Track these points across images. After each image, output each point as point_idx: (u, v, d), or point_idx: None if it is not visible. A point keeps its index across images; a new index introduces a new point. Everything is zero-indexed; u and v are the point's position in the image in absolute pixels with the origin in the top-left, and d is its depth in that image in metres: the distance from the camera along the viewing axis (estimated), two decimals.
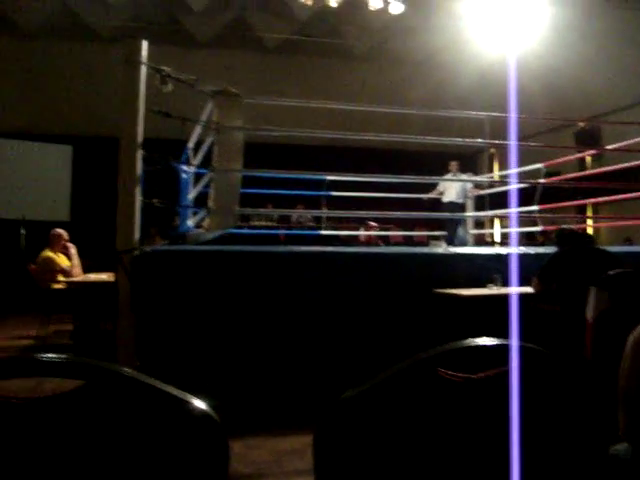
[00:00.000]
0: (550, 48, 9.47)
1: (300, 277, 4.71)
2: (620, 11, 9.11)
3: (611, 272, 4.08)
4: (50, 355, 0.85)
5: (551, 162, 8.72)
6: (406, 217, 10.94)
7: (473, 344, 0.97)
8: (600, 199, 8.64)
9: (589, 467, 1.09)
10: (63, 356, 0.85)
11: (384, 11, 9.94)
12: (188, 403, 0.88)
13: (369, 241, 10.72)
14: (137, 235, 4.58)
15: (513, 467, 0.99)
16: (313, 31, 11.86)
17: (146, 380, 0.87)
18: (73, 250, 7.53)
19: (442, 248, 7.71)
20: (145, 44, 4.74)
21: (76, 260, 7.50)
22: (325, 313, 4.67)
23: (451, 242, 9.59)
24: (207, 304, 4.48)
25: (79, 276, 7.32)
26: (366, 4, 9.62)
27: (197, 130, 5.90)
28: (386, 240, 11.24)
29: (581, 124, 12.78)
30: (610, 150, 8.49)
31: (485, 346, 0.98)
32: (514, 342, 1.00)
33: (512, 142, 6.71)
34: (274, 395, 3.81)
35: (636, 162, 7.07)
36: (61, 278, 7.23)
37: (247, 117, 5.92)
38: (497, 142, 7.59)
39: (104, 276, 6.73)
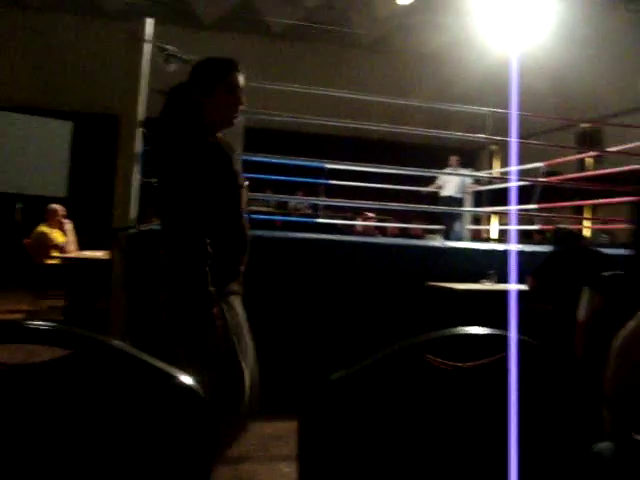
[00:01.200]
0: (557, 46, 9.45)
1: (293, 264, 4.70)
2: (628, 13, 9.08)
3: (605, 273, 4.09)
4: (38, 322, 0.84)
5: (551, 162, 8.72)
6: (403, 209, 10.93)
7: (463, 332, 0.97)
8: (598, 201, 8.65)
9: (573, 463, 1.09)
10: (51, 323, 0.85)
11: (392, 1, 9.90)
12: (175, 378, 0.88)
13: (365, 231, 10.71)
14: (134, 214, 4.57)
15: (510, 457, 0.99)
16: (320, 18, 11.79)
17: (134, 352, 0.86)
18: (69, 226, 7.52)
19: (438, 242, 7.72)
20: (151, 22, 4.71)
21: (71, 236, 7.49)
22: (316, 300, 4.67)
23: (447, 236, 9.59)
24: None
25: (74, 252, 7.31)
26: None
27: None
28: (383, 231, 11.24)
29: (583, 125, 12.76)
30: (612, 153, 8.48)
31: (476, 335, 0.98)
32: (506, 333, 1.00)
33: (513, 139, 6.70)
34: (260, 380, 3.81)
35: (636, 166, 7.07)
36: (55, 254, 7.22)
37: (248, 101, 5.89)
38: (497, 138, 7.57)
39: (99, 253, 6.72)
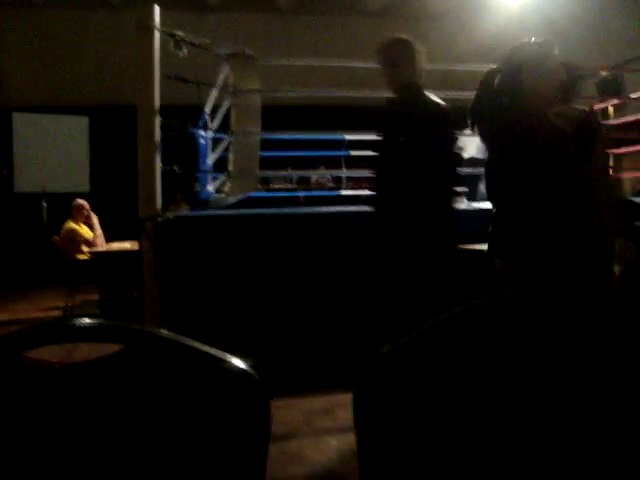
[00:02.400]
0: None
1: (321, 237, 4.68)
2: None
3: (638, 223, 4.03)
4: (85, 320, 0.84)
5: None
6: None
7: (509, 295, 0.95)
8: (623, 150, 8.50)
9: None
10: (98, 320, 0.85)
11: None
12: (228, 362, 0.88)
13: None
14: (159, 202, 4.59)
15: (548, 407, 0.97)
16: None
17: (184, 341, 0.86)
18: (95, 220, 7.59)
19: (464, 204, 7.64)
20: (157, 9, 4.68)
21: (98, 230, 7.56)
22: (349, 272, 4.66)
23: (472, 198, 9.50)
24: (231, 267, 4.49)
25: (102, 246, 7.37)
26: None
27: (213, 94, 5.86)
28: None
29: (603, 73, 12.50)
30: (635, 100, 8.31)
31: (520, 296, 0.96)
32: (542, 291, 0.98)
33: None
34: (301, 356, 3.83)
35: None
36: (85, 249, 7.29)
37: (263, 79, 5.86)
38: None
39: (127, 245, 6.77)
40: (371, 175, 3.64)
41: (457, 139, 3.36)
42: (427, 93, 3.45)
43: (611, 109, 12.07)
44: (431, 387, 0.95)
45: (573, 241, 2.56)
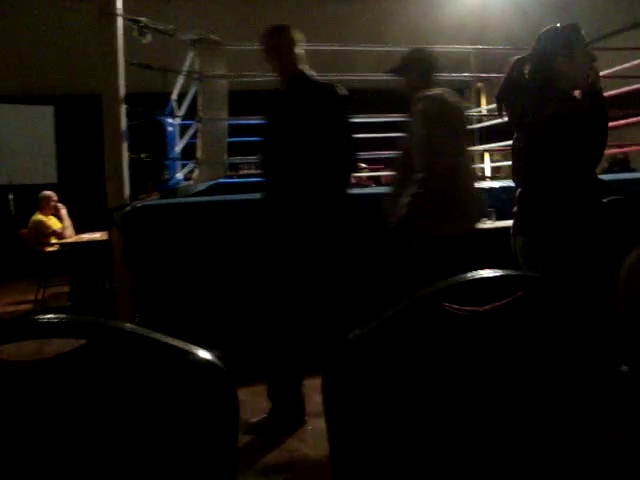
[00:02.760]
0: None
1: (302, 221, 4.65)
2: None
3: (605, 200, 4.07)
4: (49, 315, 0.83)
5: None
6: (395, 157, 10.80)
7: (478, 276, 0.95)
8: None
9: (600, 386, 1.08)
10: (61, 316, 0.83)
11: None
12: (193, 354, 0.87)
13: (359, 183, 10.66)
14: (127, 191, 4.54)
15: (522, 396, 0.99)
16: None
17: (148, 334, 0.85)
18: (64, 211, 7.49)
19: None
20: None
21: (67, 221, 7.47)
22: (319, 257, 4.65)
23: None
24: (202, 255, 4.47)
25: (72, 237, 7.29)
26: None
27: (180, 81, 5.80)
28: (377, 181, 11.18)
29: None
30: (603, 77, 8.37)
31: (490, 278, 0.96)
32: (520, 273, 0.99)
33: (500, 75, 6.63)
34: (276, 341, 3.82)
35: (630, 87, 6.99)
36: (54, 240, 7.21)
37: (229, 64, 5.81)
38: (484, 75, 7.49)
39: (97, 235, 6.71)
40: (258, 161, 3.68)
41: (349, 120, 3.40)
42: (313, 76, 3.51)
43: None
44: (397, 371, 0.95)
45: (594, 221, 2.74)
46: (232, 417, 0.90)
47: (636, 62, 6.96)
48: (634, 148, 7.76)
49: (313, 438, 3.33)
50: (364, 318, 0.97)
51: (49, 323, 0.82)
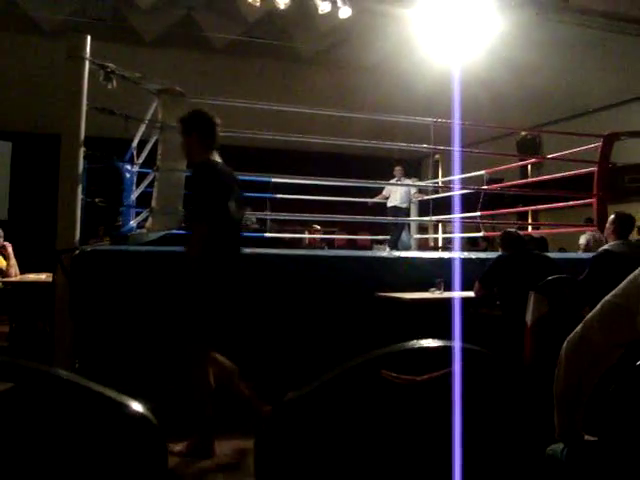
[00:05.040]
0: (496, 57, 9.63)
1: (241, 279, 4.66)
2: (560, 24, 9.29)
3: (550, 278, 4.18)
4: None
5: (494, 169, 8.90)
6: (350, 220, 10.95)
7: (417, 346, 0.97)
8: (540, 206, 8.85)
9: (527, 466, 1.10)
10: None
11: (333, 15, 9.94)
12: (125, 406, 0.86)
13: (313, 244, 10.72)
14: (77, 235, 4.48)
15: (455, 467, 0.99)
16: (261, 33, 11.77)
17: (82, 382, 0.84)
18: (10, 249, 7.32)
19: (386, 252, 7.77)
20: (89, 39, 4.63)
21: (12, 260, 7.29)
22: (266, 315, 4.65)
23: (395, 246, 9.68)
24: (146, 305, 4.41)
25: (16, 276, 7.12)
26: (315, 7, 9.59)
27: (141, 129, 5.81)
28: (330, 243, 11.27)
29: (523, 133, 13.08)
30: (551, 159, 8.72)
31: (429, 348, 0.98)
32: (457, 344, 1.01)
33: (456, 148, 6.83)
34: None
35: (574, 171, 7.29)
36: None
37: None
38: (441, 148, 7.70)
39: (43, 276, 6.56)
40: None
41: (228, 198, 3.79)
42: (215, 161, 3.90)
43: (530, 167, 12.60)
44: (329, 436, 0.95)
45: None
46: (160, 469, 0.88)
47: (583, 148, 7.26)
48: (571, 229, 7.97)
49: None
50: (299, 380, 0.97)
51: None
